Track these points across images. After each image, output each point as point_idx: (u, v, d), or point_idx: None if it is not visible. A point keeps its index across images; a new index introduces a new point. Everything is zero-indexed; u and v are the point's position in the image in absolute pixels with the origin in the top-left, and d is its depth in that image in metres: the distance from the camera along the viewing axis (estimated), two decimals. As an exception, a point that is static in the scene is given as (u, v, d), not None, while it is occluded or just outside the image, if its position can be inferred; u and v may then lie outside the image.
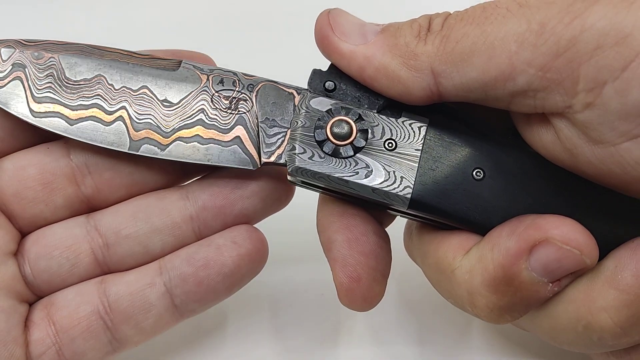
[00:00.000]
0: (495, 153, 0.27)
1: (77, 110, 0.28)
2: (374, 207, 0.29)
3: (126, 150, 0.29)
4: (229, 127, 0.29)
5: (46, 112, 0.28)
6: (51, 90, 0.28)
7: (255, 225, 0.31)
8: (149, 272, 0.29)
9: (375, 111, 0.28)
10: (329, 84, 0.28)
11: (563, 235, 0.24)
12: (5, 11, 0.49)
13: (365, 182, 0.27)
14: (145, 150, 0.29)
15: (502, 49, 0.24)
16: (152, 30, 0.49)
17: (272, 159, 0.29)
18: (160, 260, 0.29)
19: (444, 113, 0.28)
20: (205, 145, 0.29)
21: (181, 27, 0.49)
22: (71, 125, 0.28)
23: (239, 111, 0.29)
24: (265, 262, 0.30)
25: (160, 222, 0.29)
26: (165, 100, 0.29)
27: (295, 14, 0.49)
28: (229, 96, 0.29)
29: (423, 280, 0.30)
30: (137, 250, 0.29)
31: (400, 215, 0.30)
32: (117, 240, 0.29)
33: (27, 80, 0.28)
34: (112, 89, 0.29)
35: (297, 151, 0.28)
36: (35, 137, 0.30)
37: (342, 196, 0.29)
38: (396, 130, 0.28)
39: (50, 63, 0.29)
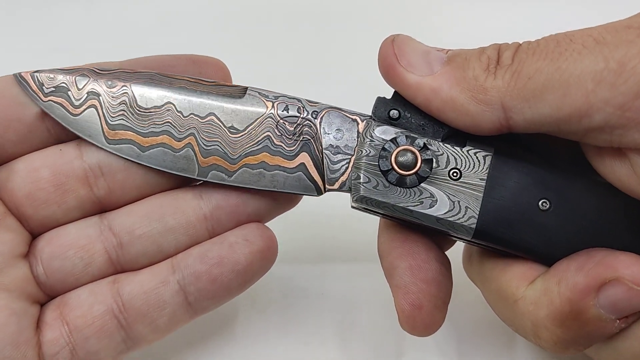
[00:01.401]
0: (562, 183, 0.27)
1: (148, 137, 0.29)
2: (436, 232, 0.29)
3: (195, 177, 0.29)
4: (293, 153, 0.29)
5: (120, 139, 0.29)
6: (124, 118, 0.30)
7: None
8: (162, 270, 0.30)
9: (439, 140, 0.28)
10: (394, 113, 0.28)
11: (634, 275, 0.24)
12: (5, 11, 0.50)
13: (429, 211, 0.27)
14: (213, 176, 0.29)
15: (578, 87, 0.24)
16: (153, 28, 0.49)
17: (336, 186, 0.29)
18: (172, 258, 0.30)
19: (509, 141, 0.28)
20: (271, 172, 0.29)
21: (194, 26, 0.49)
22: (143, 152, 0.29)
23: (303, 138, 0.29)
24: (275, 259, 0.30)
25: (174, 222, 0.30)
26: (232, 127, 0.29)
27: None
28: (294, 123, 0.29)
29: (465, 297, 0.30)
30: (150, 250, 0.30)
31: (462, 241, 0.30)
32: (131, 240, 0.30)
33: (102, 109, 0.29)
34: (181, 116, 0.29)
35: (361, 180, 0.28)
36: (49, 139, 0.31)
37: (403, 222, 0.29)
38: (461, 160, 0.28)
39: (123, 91, 0.30)
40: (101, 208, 0.31)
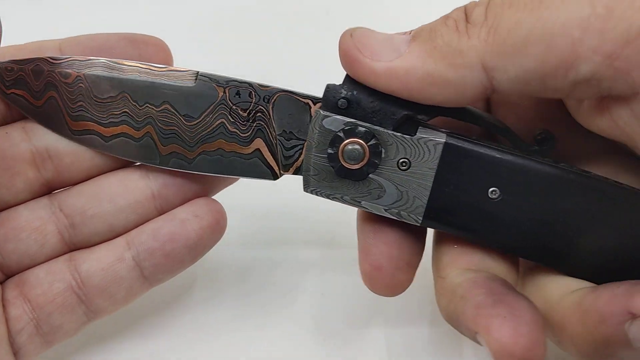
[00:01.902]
0: (512, 172, 0.27)
1: (109, 127, 0.30)
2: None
3: (157, 165, 0.30)
4: (249, 139, 0.29)
5: (83, 129, 0.30)
6: (83, 109, 0.30)
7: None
8: (117, 247, 0.31)
9: (390, 129, 0.27)
10: (342, 102, 0.27)
11: None
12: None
13: (377, 202, 0.28)
14: (174, 164, 0.30)
15: (563, 36, 0.23)
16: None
17: (291, 171, 0.29)
18: (127, 235, 0.31)
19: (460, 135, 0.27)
20: (228, 159, 0.30)
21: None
22: (106, 142, 0.30)
23: (257, 124, 0.29)
24: (224, 231, 0.32)
25: (123, 202, 0.31)
26: (187, 115, 0.30)
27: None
28: (247, 108, 0.29)
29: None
30: (102, 229, 0.31)
31: None
32: (83, 221, 0.31)
33: (61, 100, 0.30)
34: (137, 105, 0.30)
35: (311, 173, 0.28)
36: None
37: None
38: (411, 149, 0.27)
39: (78, 82, 0.30)
40: (49, 189, 0.32)
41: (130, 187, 0.31)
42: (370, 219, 0.30)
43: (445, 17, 0.25)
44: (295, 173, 0.29)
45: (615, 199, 0.26)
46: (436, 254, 0.29)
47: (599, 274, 0.27)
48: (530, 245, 0.27)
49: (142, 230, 0.31)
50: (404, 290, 0.30)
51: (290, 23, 0.49)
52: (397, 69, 0.25)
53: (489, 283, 0.27)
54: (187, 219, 0.31)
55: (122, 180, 0.31)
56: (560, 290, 0.27)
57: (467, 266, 0.28)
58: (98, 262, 0.31)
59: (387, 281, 0.29)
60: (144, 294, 0.32)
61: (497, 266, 0.28)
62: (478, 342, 0.25)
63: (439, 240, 0.30)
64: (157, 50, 0.30)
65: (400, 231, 0.29)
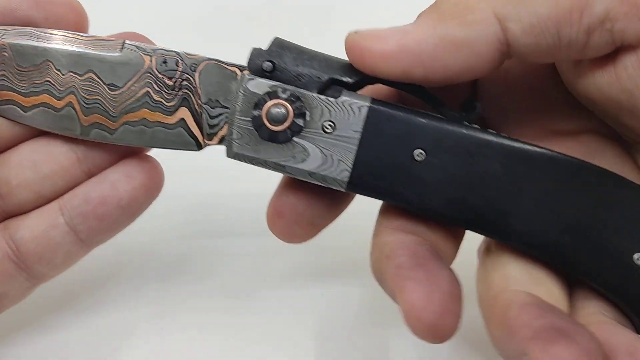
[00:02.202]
0: (438, 134, 0.26)
1: (29, 97, 0.29)
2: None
3: (78, 136, 0.29)
4: (173, 109, 0.29)
5: (2, 100, 0.29)
6: (4, 78, 0.29)
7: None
8: (50, 213, 0.30)
9: (315, 92, 0.27)
10: (267, 65, 0.27)
11: None
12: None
13: (301, 166, 0.27)
14: (95, 135, 0.29)
15: None
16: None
17: (215, 141, 0.29)
18: (59, 200, 0.30)
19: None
20: (151, 129, 0.29)
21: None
22: (25, 112, 0.29)
23: (183, 92, 0.29)
24: (161, 188, 0.31)
25: (48, 169, 0.30)
26: (112, 85, 0.29)
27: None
28: (173, 77, 0.29)
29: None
30: (30, 197, 0.30)
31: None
32: (10, 190, 0.30)
33: None
34: (60, 74, 0.29)
35: (234, 137, 0.27)
36: None
37: None
38: (336, 112, 0.27)
39: (2, 51, 0.29)
40: None
41: (54, 154, 0.30)
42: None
43: None
44: (219, 143, 0.29)
45: (539, 163, 0.26)
46: (379, 216, 0.29)
47: (529, 238, 0.26)
48: (456, 210, 0.27)
49: (74, 195, 0.30)
50: (299, 242, 0.30)
51: (292, 19, 0.51)
52: (408, 43, 0.25)
53: (415, 247, 0.26)
54: (118, 179, 0.30)
55: (45, 147, 0.30)
56: (502, 283, 0.27)
57: (400, 227, 0.27)
58: (32, 229, 0.30)
59: (284, 230, 0.29)
60: (84, 256, 0.31)
61: (433, 236, 0.28)
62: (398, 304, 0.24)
63: (384, 208, 0.29)
64: (66, 11, 0.29)
65: (315, 193, 0.29)
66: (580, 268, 0.26)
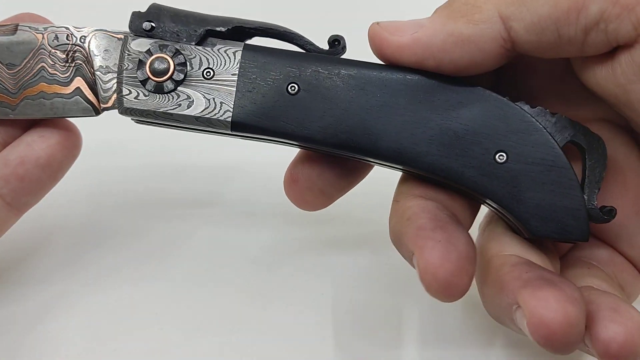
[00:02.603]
0: (308, 68, 0.29)
1: None
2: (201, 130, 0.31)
3: None
4: (68, 79, 0.31)
5: None
6: None
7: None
8: None
9: (193, 44, 0.29)
10: (146, 25, 0.30)
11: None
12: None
13: (187, 112, 0.29)
14: None
15: None
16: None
17: (110, 103, 0.31)
18: None
19: None
20: (50, 100, 0.31)
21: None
22: None
23: (76, 63, 0.31)
24: (79, 145, 0.32)
25: None
26: (9, 64, 0.31)
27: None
28: (65, 50, 0.31)
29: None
30: None
31: (224, 135, 0.31)
32: None
33: None
34: None
35: (123, 93, 0.30)
36: None
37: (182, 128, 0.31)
38: (213, 59, 0.29)
39: None
40: None
41: None
42: None
43: None
44: (113, 105, 0.31)
45: (396, 86, 0.28)
46: (398, 185, 0.31)
47: (400, 154, 0.28)
48: (331, 136, 0.29)
49: None
50: (311, 208, 0.33)
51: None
52: (420, 37, 0.27)
53: (435, 211, 0.28)
54: (33, 140, 0.31)
55: None
56: (496, 249, 0.29)
57: (421, 194, 0.29)
58: None
59: (298, 196, 0.32)
60: (16, 220, 0.32)
61: (452, 204, 0.29)
62: (413, 265, 0.26)
63: (404, 178, 0.31)
64: None
65: (327, 164, 0.32)
66: (451, 174, 0.28)
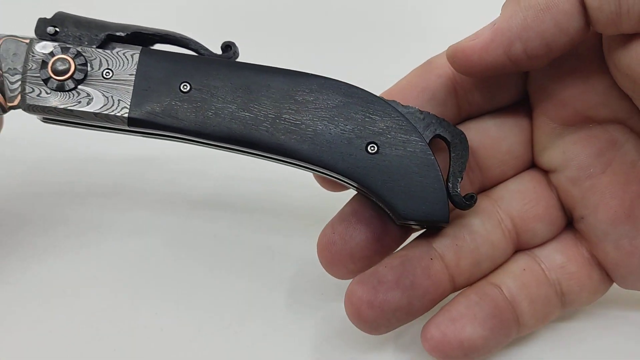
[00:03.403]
0: (201, 69, 0.31)
1: None
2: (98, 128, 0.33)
3: None
4: None
5: None
6: None
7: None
8: None
9: (94, 46, 0.32)
10: (50, 29, 0.32)
11: None
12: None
13: (86, 108, 0.31)
14: None
15: None
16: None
17: (16, 102, 0.33)
18: None
19: None
20: None
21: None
22: None
23: None
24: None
25: None
26: None
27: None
28: None
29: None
30: None
31: (122, 133, 0.33)
32: None
33: None
34: None
35: (27, 91, 0.32)
36: None
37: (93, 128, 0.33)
38: (112, 61, 0.32)
39: None
40: None
41: None
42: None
43: None
44: (19, 104, 0.33)
45: (283, 92, 0.31)
46: None
47: (284, 150, 0.31)
48: (228, 136, 0.31)
49: None
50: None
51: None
52: (500, 25, 0.29)
53: (360, 207, 0.33)
54: None
55: None
56: None
57: None
58: None
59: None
60: None
61: None
62: None
63: None
64: None
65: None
66: (328, 165, 0.31)
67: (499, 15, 0.30)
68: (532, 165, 0.34)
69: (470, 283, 0.33)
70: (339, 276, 0.33)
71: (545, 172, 0.34)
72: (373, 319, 0.31)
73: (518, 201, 0.33)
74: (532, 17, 0.28)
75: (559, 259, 0.33)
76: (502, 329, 0.31)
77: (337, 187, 0.34)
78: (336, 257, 0.32)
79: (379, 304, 0.31)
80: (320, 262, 0.33)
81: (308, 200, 0.42)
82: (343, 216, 0.33)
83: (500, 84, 0.33)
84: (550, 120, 0.33)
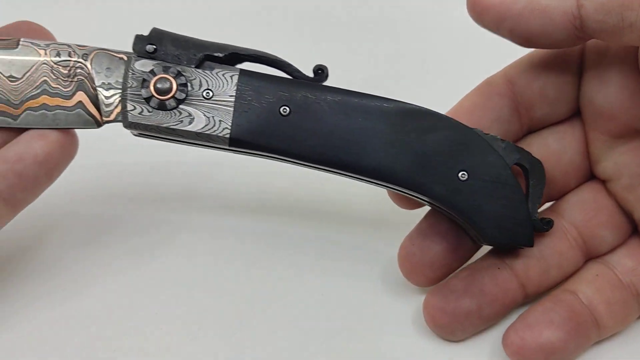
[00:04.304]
0: (298, 93, 0.33)
1: None
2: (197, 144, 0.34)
3: None
4: (70, 93, 0.33)
5: None
6: None
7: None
8: None
9: (193, 66, 0.32)
10: (150, 47, 0.32)
11: None
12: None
13: (189, 128, 0.32)
14: (0, 122, 0.33)
15: None
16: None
17: (112, 117, 0.33)
18: None
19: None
20: (52, 112, 0.33)
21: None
22: None
23: (78, 79, 0.33)
24: (76, 145, 0.34)
25: None
26: (11, 77, 0.33)
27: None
28: (67, 66, 0.33)
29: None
30: None
31: (222, 150, 0.34)
32: None
33: None
34: None
35: (128, 109, 0.32)
36: None
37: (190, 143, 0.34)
38: (212, 81, 0.32)
39: None
40: None
41: None
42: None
43: None
44: (115, 119, 0.33)
45: (375, 113, 0.33)
46: None
47: (380, 172, 0.33)
48: (324, 157, 0.33)
49: None
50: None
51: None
52: (507, 1, 0.31)
53: (438, 221, 0.36)
54: (31, 137, 0.33)
55: None
56: None
57: None
58: None
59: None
60: (11, 217, 0.33)
61: None
62: None
63: None
64: None
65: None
66: (424, 190, 0.33)
67: None
68: (591, 175, 0.37)
69: (541, 291, 0.35)
70: (419, 284, 0.36)
71: (603, 182, 0.36)
72: (447, 324, 0.35)
73: (580, 211, 0.36)
74: (529, 12, 0.31)
75: (629, 263, 0.35)
76: (581, 332, 0.34)
77: (412, 204, 0.36)
78: (416, 267, 0.35)
79: (451, 311, 0.34)
80: (401, 271, 0.36)
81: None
82: (421, 230, 0.36)
83: (557, 99, 0.35)
84: (600, 134, 0.35)
